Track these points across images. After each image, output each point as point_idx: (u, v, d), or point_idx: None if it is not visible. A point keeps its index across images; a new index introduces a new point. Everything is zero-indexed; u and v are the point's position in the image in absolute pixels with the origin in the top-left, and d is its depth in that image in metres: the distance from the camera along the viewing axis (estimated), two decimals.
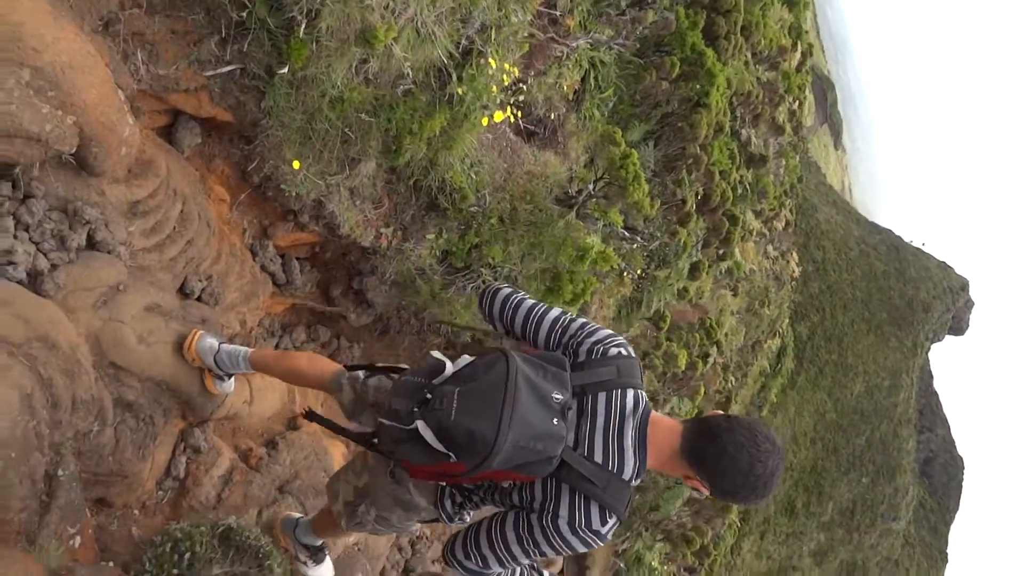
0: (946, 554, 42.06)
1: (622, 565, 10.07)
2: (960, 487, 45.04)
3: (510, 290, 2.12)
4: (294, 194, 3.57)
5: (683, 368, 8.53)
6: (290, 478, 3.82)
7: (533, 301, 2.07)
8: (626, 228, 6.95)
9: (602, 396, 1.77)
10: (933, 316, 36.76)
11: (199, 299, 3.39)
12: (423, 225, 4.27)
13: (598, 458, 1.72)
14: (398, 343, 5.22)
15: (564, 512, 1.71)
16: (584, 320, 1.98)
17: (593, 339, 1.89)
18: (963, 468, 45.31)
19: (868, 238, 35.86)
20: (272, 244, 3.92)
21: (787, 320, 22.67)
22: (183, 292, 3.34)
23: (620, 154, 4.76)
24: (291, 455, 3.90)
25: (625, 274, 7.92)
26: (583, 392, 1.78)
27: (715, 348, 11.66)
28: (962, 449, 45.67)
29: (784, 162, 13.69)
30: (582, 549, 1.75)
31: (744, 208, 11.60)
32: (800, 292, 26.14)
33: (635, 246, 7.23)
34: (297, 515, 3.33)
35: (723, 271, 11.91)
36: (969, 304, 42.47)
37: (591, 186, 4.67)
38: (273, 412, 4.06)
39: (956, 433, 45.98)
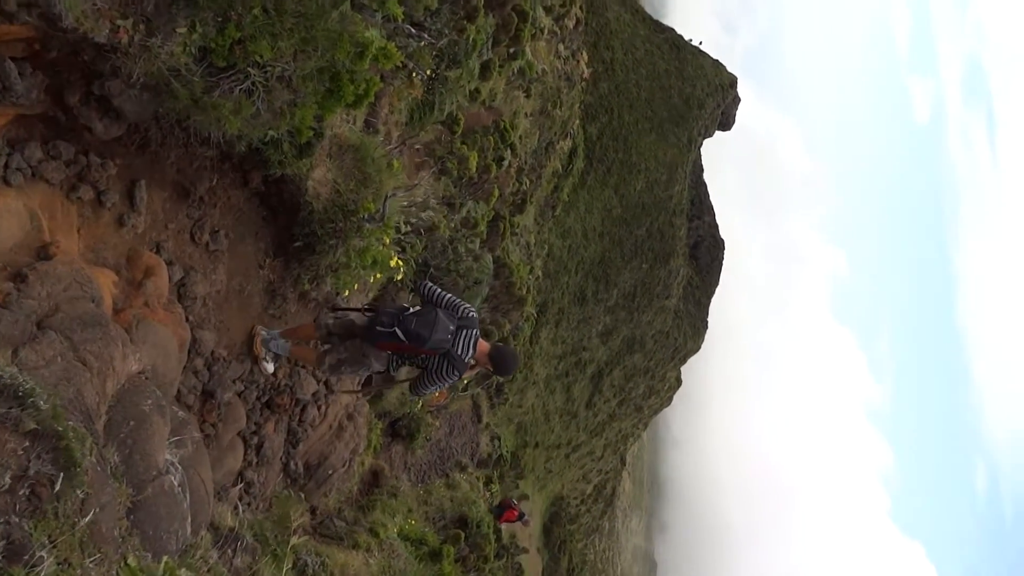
0: (707, 322, 49.33)
1: None
2: (720, 265, 51.88)
3: (431, 285, 4.74)
4: None
5: (475, 171, 8.62)
6: (50, 312, 3.46)
7: (440, 291, 4.71)
8: (411, 24, 6.54)
9: (464, 332, 4.49)
10: (706, 112, 39.84)
11: None
12: (171, 17, 3.68)
13: (460, 353, 4.50)
14: (163, 157, 4.69)
15: (447, 368, 4.55)
16: (459, 300, 4.66)
17: (462, 308, 4.57)
18: (723, 248, 51.93)
19: (653, 37, 37.04)
20: None
21: (578, 121, 23.46)
22: None
23: None
24: (47, 287, 3.50)
25: (414, 75, 7.58)
26: (459, 328, 4.48)
27: (509, 151, 11.85)
28: (723, 232, 52.01)
29: None
30: (453, 378, 4.63)
31: (534, 3, 11.33)
32: (590, 93, 26.87)
33: (422, 44, 6.88)
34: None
35: (515, 71, 11.82)
36: (736, 100, 46.35)
37: None
38: (15, 242, 3.56)
39: (720, 219, 52.00)
